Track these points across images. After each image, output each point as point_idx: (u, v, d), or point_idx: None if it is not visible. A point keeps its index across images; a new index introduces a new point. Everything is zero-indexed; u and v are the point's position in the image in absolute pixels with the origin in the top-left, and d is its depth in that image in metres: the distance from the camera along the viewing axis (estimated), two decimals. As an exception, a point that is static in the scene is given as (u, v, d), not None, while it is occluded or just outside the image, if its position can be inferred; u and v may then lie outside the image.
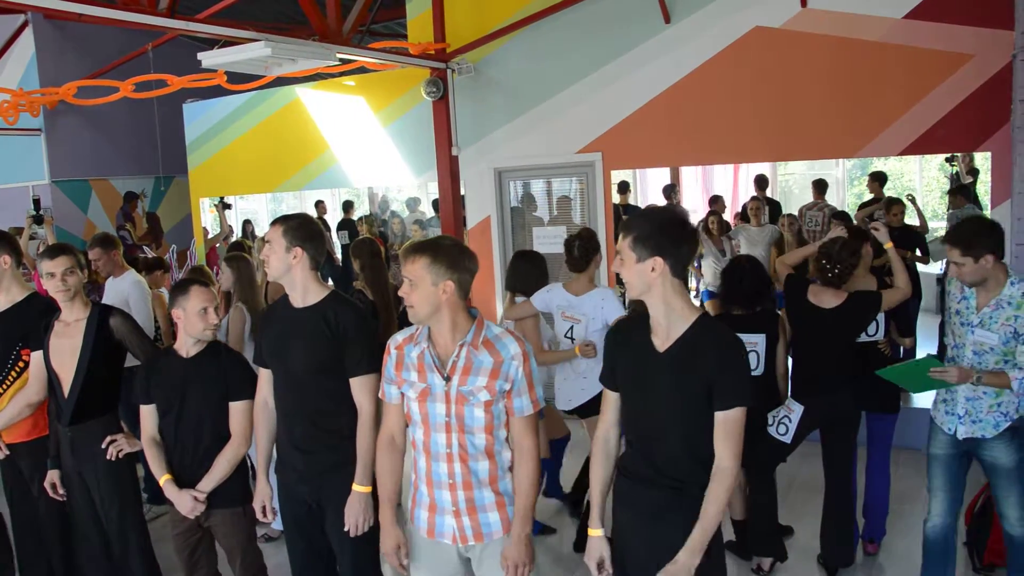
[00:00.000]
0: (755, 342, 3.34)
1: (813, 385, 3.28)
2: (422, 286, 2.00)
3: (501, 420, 2.08)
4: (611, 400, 2.07)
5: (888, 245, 3.39)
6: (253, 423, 2.61)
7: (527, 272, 3.81)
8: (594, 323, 3.52)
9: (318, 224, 2.51)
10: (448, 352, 2.05)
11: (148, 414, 2.67)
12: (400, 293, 2.05)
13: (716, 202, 6.70)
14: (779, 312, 3.51)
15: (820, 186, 6.34)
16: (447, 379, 2.02)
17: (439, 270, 2.00)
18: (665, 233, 1.87)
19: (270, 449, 2.57)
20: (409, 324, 3.89)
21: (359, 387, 2.38)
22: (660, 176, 7.58)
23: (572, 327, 3.57)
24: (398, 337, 2.16)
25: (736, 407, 1.84)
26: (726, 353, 1.86)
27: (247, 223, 8.82)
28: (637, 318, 2.03)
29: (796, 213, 6.40)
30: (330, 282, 7.90)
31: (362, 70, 6.32)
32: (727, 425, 1.84)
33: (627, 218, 1.95)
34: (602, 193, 5.57)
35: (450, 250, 2.03)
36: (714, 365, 1.84)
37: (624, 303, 3.58)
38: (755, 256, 4.73)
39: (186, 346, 2.65)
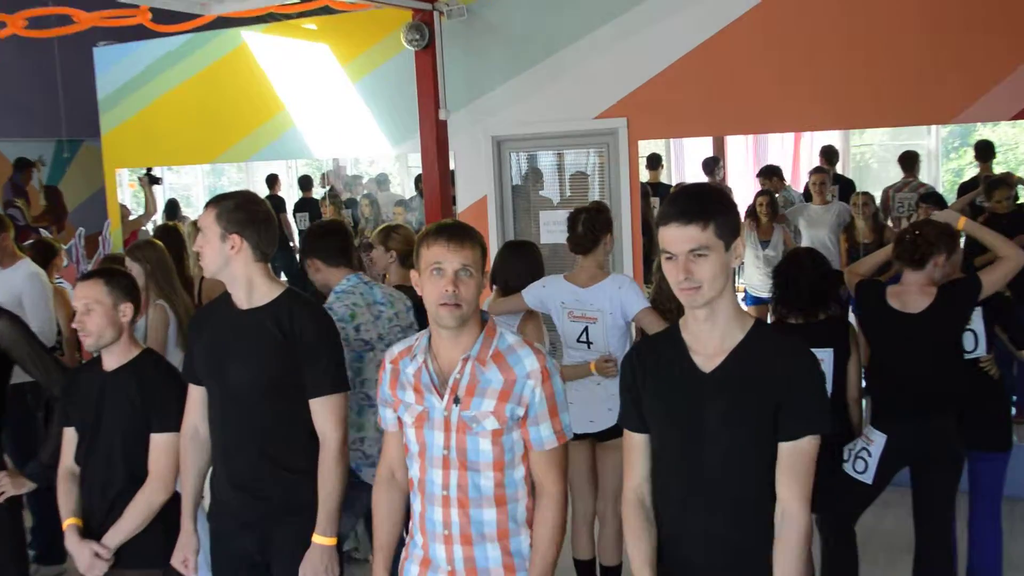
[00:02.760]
0: (820, 359, 3.26)
1: (902, 408, 3.22)
2: (477, 276, 2.03)
3: (515, 455, 2.07)
4: (638, 446, 2.00)
5: (961, 222, 3.37)
6: (180, 460, 2.59)
7: (517, 266, 3.80)
8: (612, 319, 3.46)
9: (264, 204, 2.50)
10: (453, 366, 2.06)
11: (69, 438, 2.70)
12: (446, 288, 1.99)
13: (770, 177, 6.57)
14: (850, 320, 3.45)
15: (909, 161, 6.22)
16: (457, 401, 2.03)
17: (482, 256, 2.04)
18: (733, 207, 1.86)
19: (200, 488, 2.56)
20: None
21: (322, 410, 2.37)
22: (700, 148, 7.52)
23: (586, 328, 3.51)
24: (395, 349, 2.18)
25: (808, 435, 1.81)
26: (799, 366, 1.83)
27: (173, 204, 8.70)
28: (660, 334, 2.03)
29: (877, 194, 6.27)
30: (284, 278, 7.71)
31: (326, 10, 6.27)
32: (795, 458, 1.81)
33: (678, 195, 1.87)
34: (627, 169, 5.50)
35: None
36: (784, 382, 1.81)
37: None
38: (819, 242, 4.63)
39: (109, 355, 2.65)
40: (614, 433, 3.52)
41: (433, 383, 2.05)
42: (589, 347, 3.53)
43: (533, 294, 3.64)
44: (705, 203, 1.82)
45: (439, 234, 2.03)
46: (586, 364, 3.48)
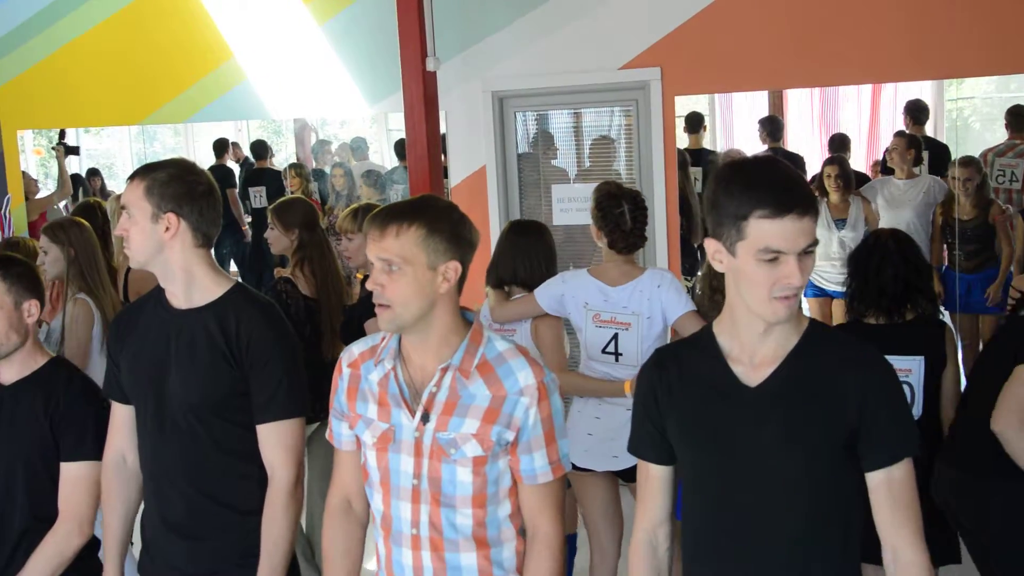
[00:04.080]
0: (908, 368, 3.25)
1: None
2: (412, 271, 1.97)
3: (500, 489, 2.08)
4: (656, 481, 2.02)
5: None
6: (101, 495, 2.57)
7: (526, 254, 3.78)
8: (649, 324, 3.40)
9: (205, 175, 2.48)
10: (427, 376, 2.06)
11: None
12: (370, 284, 2.01)
13: (841, 146, 6.52)
14: (946, 322, 3.41)
15: (1019, 118, 6.06)
16: (424, 418, 2.01)
17: (438, 245, 1.99)
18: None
19: (128, 530, 2.55)
20: (355, 334, 3.66)
21: (271, 439, 2.38)
22: (754, 105, 7.45)
23: (616, 336, 3.45)
24: (354, 349, 2.18)
25: (903, 459, 1.80)
26: (872, 377, 1.83)
27: (93, 174, 8.66)
28: (685, 340, 2.12)
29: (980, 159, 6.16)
30: (234, 268, 7.67)
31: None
32: (893, 490, 1.80)
33: (776, 177, 1.79)
34: (660, 131, 5.42)
35: (449, 214, 2.06)
36: (856, 398, 1.80)
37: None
38: (901, 227, 4.60)
39: (8, 365, 2.65)
40: None
41: (403, 396, 2.06)
42: (617, 359, 3.52)
43: (549, 293, 3.61)
44: (807, 187, 1.83)
45: (367, 221, 2.08)
46: (619, 382, 3.45)
